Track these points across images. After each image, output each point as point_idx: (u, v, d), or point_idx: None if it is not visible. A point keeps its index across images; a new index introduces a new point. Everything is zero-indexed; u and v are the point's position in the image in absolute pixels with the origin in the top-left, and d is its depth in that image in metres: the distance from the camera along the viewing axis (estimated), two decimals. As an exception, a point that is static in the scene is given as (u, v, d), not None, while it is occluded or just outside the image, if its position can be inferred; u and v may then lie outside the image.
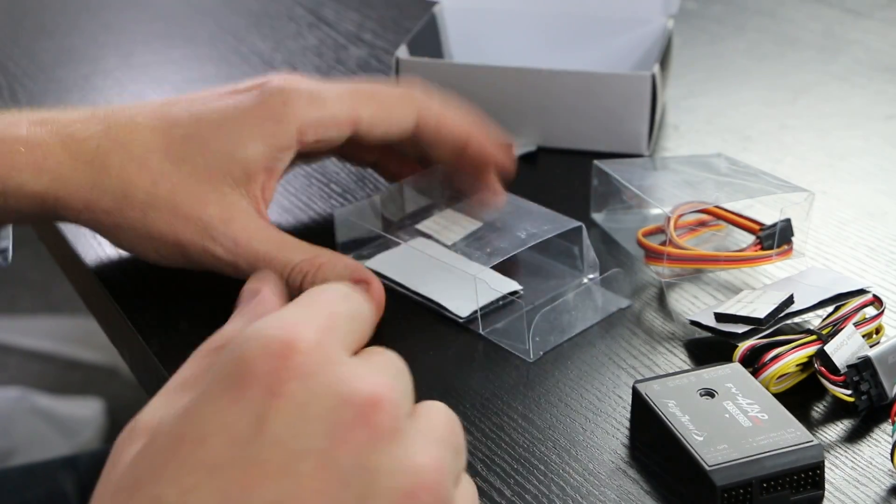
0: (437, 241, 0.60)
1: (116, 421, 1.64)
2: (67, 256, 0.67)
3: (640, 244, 0.60)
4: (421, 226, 0.62)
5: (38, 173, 0.55)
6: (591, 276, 0.59)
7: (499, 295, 0.58)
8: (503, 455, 0.49)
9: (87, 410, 1.62)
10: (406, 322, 0.58)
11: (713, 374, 0.50)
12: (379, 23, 0.99)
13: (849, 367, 0.50)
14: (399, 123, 0.60)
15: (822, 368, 0.50)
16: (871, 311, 0.54)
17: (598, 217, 0.66)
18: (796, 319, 0.55)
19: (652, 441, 0.49)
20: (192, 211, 0.56)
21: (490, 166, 0.62)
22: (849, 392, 0.50)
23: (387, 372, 0.36)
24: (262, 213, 0.57)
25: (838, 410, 0.51)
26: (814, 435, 0.47)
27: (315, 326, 0.35)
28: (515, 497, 0.47)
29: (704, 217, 0.63)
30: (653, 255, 0.59)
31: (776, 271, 0.61)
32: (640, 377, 0.53)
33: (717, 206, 0.63)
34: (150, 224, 0.56)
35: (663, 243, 0.59)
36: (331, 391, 0.34)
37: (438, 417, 0.36)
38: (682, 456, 0.46)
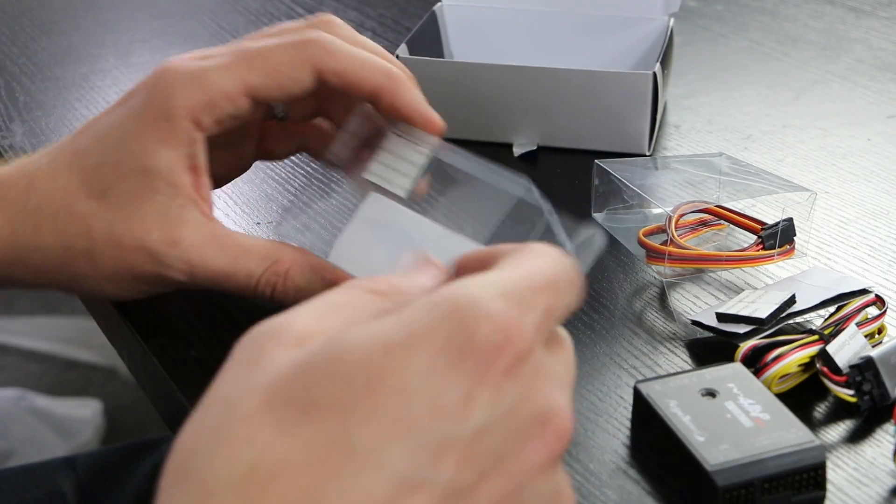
0: (389, 193, 0.53)
1: (115, 421, 1.64)
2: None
3: (642, 244, 0.60)
4: (368, 174, 0.54)
5: None
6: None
7: None
8: (503, 455, 0.49)
9: (85, 411, 1.62)
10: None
11: (715, 375, 0.50)
12: (379, 21, 0.99)
13: (851, 367, 0.50)
14: (295, 83, 0.54)
15: (824, 368, 0.50)
16: (873, 311, 0.54)
17: (599, 217, 0.66)
18: (798, 319, 0.55)
19: (653, 441, 0.49)
20: (137, 241, 0.53)
21: (409, 121, 0.55)
22: (851, 392, 0.50)
23: (569, 388, 0.37)
24: (207, 215, 0.54)
25: (840, 411, 0.51)
26: (816, 435, 0.47)
27: (534, 322, 0.35)
28: (516, 498, 0.47)
29: (706, 217, 0.63)
30: (654, 255, 0.59)
31: (778, 271, 0.61)
32: (641, 377, 0.53)
33: (718, 206, 0.62)
34: (102, 268, 0.54)
35: (664, 243, 0.59)
36: (532, 401, 0.34)
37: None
38: (684, 456, 0.46)
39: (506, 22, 0.84)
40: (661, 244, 0.59)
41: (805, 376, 0.52)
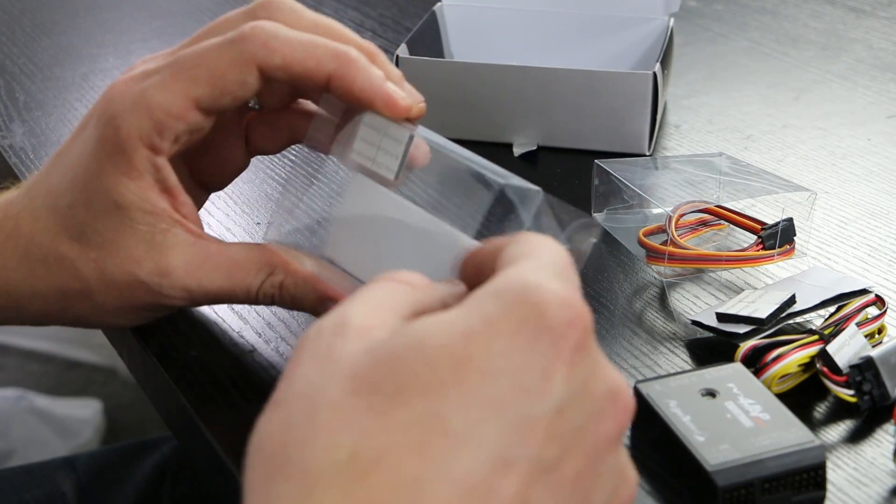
0: (377, 175, 0.51)
1: (115, 421, 1.64)
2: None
3: (642, 244, 0.60)
4: (355, 154, 0.51)
5: None
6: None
7: None
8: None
9: (85, 411, 1.62)
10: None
11: (715, 375, 0.49)
12: (379, 21, 0.99)
13: (851, 367, 0.50)
14: (241, 86, 0.51)
15: (825, 368, 0.50)
16: (873, 311, 0.54)
17: (599, 216, 0.66)
18: (798, 319, 0.55)
19: (653, 441, 0.49)
20: (128, 276, 0.52)
21: (370, 105, 0.51)
22: (851, 392, 0.50)
23: None
24: (195, 233, 0.53)
25: (840, 411, 0.51)
26: (816, 435, 0.47)
27: (582, 297, 0.36)
28: (516, 498, 0.47)
29: (706, 217, 0.63)
30: (654, 255, 0.59)
31: (778, 271, 0.61)
32: (641, 377, 0.53)
33: (718, 206, 0.62)
34: (102, 306, 0.53)
35: (665, 243, 0.59)
36: (603, 376, 0.35)
37: None
38: (684, 456, 0.46)
39: (506, 22, 0.84)
40: (661, 244, 0.59)
41: (805, 376, 0.52)
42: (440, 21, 0.83)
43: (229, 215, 0.68)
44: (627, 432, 0.49)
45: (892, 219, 0.67)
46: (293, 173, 0.72)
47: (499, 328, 0.34)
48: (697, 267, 0.60)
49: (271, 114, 0.57)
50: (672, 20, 0.81)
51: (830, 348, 0.50)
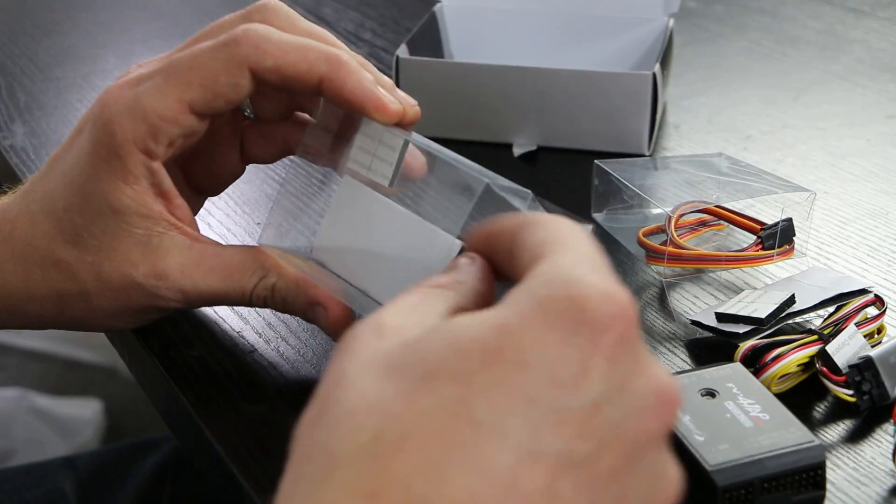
0: (373, 182, 0.50)
1: (115, 421, 1.64)
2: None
3: (641, 244, 0.60)
4: (351, 163, 0.51)
5: None
6: None
7: None
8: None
9: (86, 411, 1.62)
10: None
11: (714, 374, 0.50)
12: (379, 22, 0.99)
13: (850, 366, 0.50)
14: (234, 89, 0.51)
15: (824, 368, 0.50)
16: (872, 311, 0.54)
17: (598, 217, 0.66)
18: (798, 319, 0.55)
19: (653, 441, 0.49)
20: (125, 279, 0.52)
21: (360, 109, 0.51)
22: (850, 392, 0.50)
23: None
24: (192, 236, 0.53)
25: (840, 410, 0.51)
26: (815, 435, 0.47)
27: (625, 290, 0.35)
28: (515, 497, 0.47)
29: (705, 217, 0.63)
30: (654, 255, 0.59)
31: (777, 271, 0.61)
32: (640, 377, 0.53)
33: (718, 206, 0.62)
34: (99, 309, 0.53)
35: (664, 243, 0.59)
36: (647, 372, 0.34)
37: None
38: (684, 456, 0.46)
39: (506, 22, 0.84)
40: (660, 244, 0.59)
41: (804, 376, 0.52)
42: (440, 21, 0.83)
43: (229, 215, 0.68)
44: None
45: (891, 219, 0.67)
46: (291, 174, 0.72)
47: (534, 321, 0.34)
48: (697, 267, 0.60)
49: (266, 124, 0.57)
50: (672, 21, 0.81)
51: (830, 348, 0.50)
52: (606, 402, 0.33)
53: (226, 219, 0.68)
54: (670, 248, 0.58)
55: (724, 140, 0.77)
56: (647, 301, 0.60)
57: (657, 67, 0.72)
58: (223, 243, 0.54)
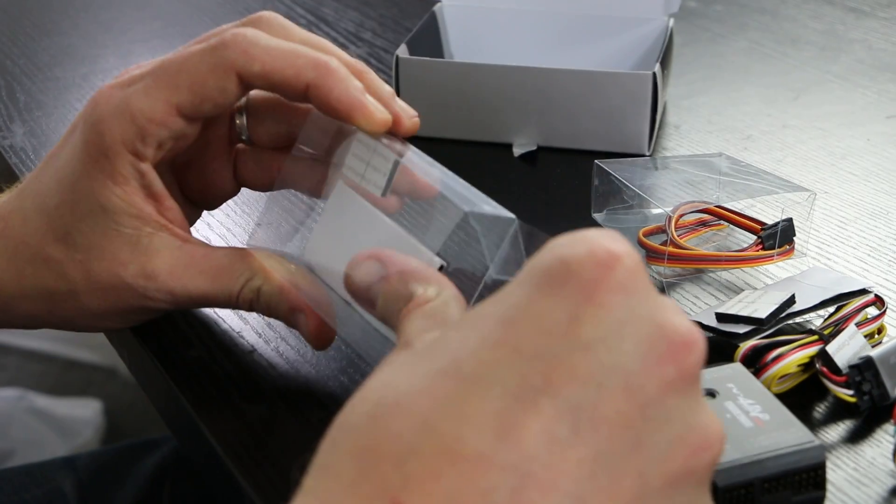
0: (365, 191, 0.50)
1: (115, 421, 1.64)
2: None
3: (641, 244, 0.60)
4: (346, 169, 0.51)
5: None
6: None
7: None
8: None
9: (85, 411, 1.62)
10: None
11: (714, 375, 0.49)
12: (379, 22, 0.99)
13: (850, 367, 0.50)
14: (222, 92, 0.51)
15: (824, 369, 0.50)
16: (872, 311, 0.54)
17: (598, 217, 0.66)
18: (798, 319, 0.55)
19: (653, 441, 0.49)
20: (114, 278, 0.52)
21: (346, 116, 0.50)
22: (850, 392, 0.50)
23: (687, 318, 0.36)
24: (181, 237, 0.53)
25: (840, 411, 0.51)
26: (815, 435, 0.47)
27: (632, 249, 0.35)
28: (515, 498, 0.47)
29: (705, 217, 0.63)
30: (654, 255, 0.59)
31: (777, 271, 0.61)
32: (640, 377, 0.53)
33: (718, 206, 0.62)
34: (88, 308, 0.54)
35: (664, 243, 0.59)
36: (650, 317, 0.34)
37: None
38: (684, 456, 0.46)
39: (506, 22, 0.84)
40: (660, 244, 0.59)
41: (805, 376, 0.52)
42: (440, 21, 0.83)
43: (229, 215, 0.68)
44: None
45: (891, 219, 0.67)
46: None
47: (522, 283, 0.35)
48: (697, 267, 0.60)
49: (261, 151, 0.57)
50: (672, 20, 0.81)
51: (830, 348, 0.50)
52: (604, 347, 0.33)
53: (225, 219, 0.68)
54: (670, 249, 0.58)
55: (725, 140, 0.77)
56: (648, 301, 0.59)
57: (657, 67, 0.72)
58: (218, 244, 0.54)
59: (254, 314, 0.58)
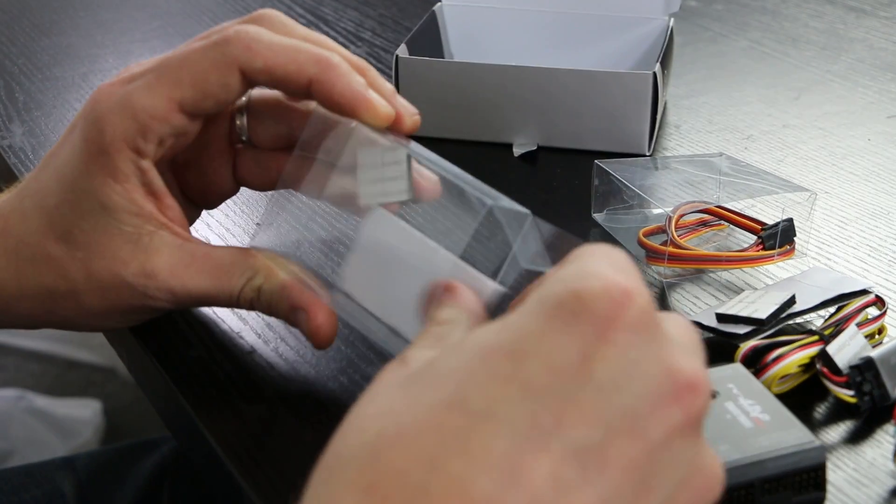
0: (392, 204, 0.50)
1: (115, 421, 1.64)
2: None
3: (641, 244, 0.60)
4: (363, 199, 0.50)
5: None
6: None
7: None
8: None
9: (85, 411, 1.62)
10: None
11: (715, 375, 0.49)
12: (378, 22, 0.98)
13: (851, 367, 0.50)
14: (223, 88, 0.51)
15: (825, 369, 0.50)
16: (873, 312, 0.54)
17: (598, 217, 0.66)
18: (798, 320, 0.55)
19: (653, 442, 0.49)
20: (115, 277, 0.52)
21: (350, 111, 0.50)
22: (851, 393, 0.50)
23: (701, 358, 0.36)
24: (182, 236, 0.53)
25: (840, 411, 0.51)
26: (816, 436, 0.47)
27: (644, 286, 0.35)
28: (515, 498, 0.47)
29: (706, 217, 0.63)
30: (654, 256, 0.59)
31: (778, 271, 0.61)
32: (640, 378, 0.53)
33: (718, 206, 0.62)
34: (88, 307, 0.53)
35: (664, 243, 0.59)
36: (659, 358, 0.34)
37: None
38: (684, 457, 0.46)
39: (506, 22, 0.84)
40: (661, 244, 0.59)
41: (805, 377, 0.52)
42: (440, 21, 0.83)
43: (229, 215, 0.68)
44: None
45: (892, 219, 0.67)
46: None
47: (531, 315, 0.34)
48: (697, 267, 0.60)
49: (261, 151, 0.57)
50: (672, 20, 0.81)
51: (830, 349, 0.50)
52: (614, 388, 0.33)
53: (225, 219, 0.68)
54: (671, 249, 0.58)
55: (725, 140, 0.77)
56: (648, 301, 0.59)
57: (657, 67, 0.72)
58: (218, 244, 0.54)
59: (253, 314, 0.58)
